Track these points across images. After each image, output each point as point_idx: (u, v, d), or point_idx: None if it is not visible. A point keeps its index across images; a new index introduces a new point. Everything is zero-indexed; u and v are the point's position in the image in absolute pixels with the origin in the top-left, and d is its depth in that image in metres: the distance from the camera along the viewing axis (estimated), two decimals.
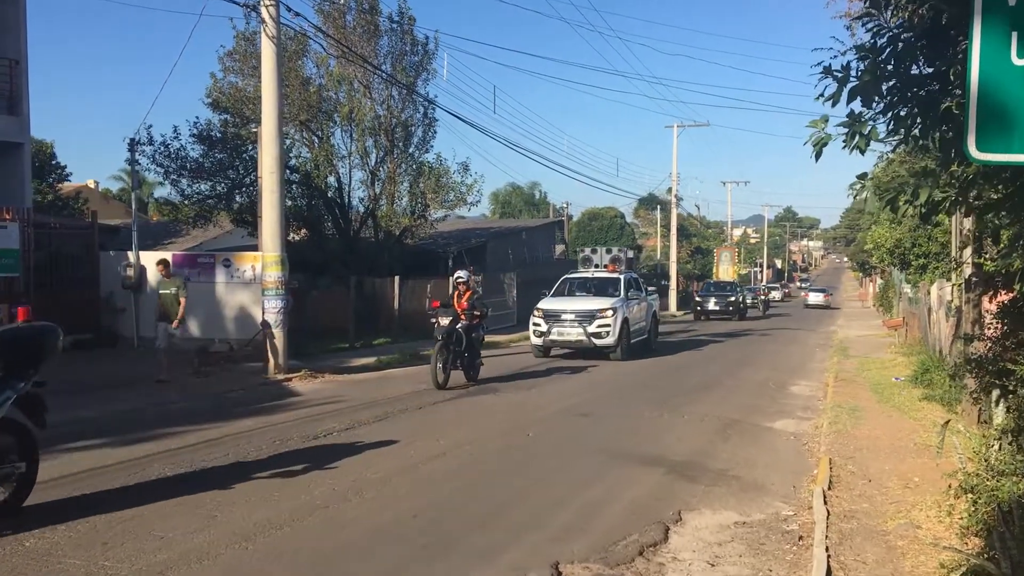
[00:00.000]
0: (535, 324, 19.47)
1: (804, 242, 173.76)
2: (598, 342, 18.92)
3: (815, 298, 61.24)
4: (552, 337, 19.28)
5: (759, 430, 11.32)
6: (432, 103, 26.82)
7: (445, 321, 14.09)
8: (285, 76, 24.09)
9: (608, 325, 18.90)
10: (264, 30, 15.30)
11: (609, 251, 24.52)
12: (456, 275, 15.28)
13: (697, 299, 41.99)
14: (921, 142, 4.43)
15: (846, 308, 58.56)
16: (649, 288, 24.14)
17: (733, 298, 40.77)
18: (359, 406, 12.27)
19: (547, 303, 19.93)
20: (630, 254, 25.22)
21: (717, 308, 40.31)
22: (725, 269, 61.27)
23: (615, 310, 19.11)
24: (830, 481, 7.97)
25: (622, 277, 21.16)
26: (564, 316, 19.22)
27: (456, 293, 14.96)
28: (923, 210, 4.52)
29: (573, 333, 19.11)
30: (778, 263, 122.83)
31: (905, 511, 7.02)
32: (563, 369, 17.64)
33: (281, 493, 7.26)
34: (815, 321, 43.71)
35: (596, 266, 23.35)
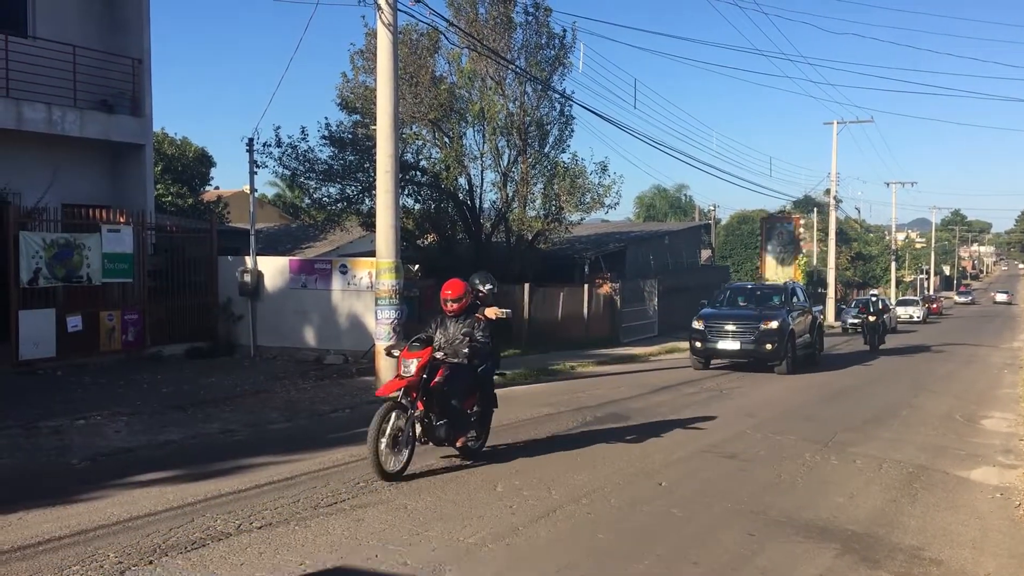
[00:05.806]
0: None
1: (975, 247, 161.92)
2: None
3: (1001, 297, 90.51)
4: None
5: (952, 482, 9.10)
6: (568, 99, 25.24)
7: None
8: (415, 74, 23.20)
9: None
10: (380, 17, 14.10)
11: None
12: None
13: (696, 326, 19.60)
14: None
15: None
16: None
17: (775, 324, 18.87)
18: None
19: None
20: None
21: (736, 346, 19.05)
22: (776, 261, 33.35)
23: None
24: None
25: None
26: None
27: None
28: None
29: None
30: (946, 270, 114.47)
31: None
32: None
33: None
34: (993, 335, 39.46)
35: None
